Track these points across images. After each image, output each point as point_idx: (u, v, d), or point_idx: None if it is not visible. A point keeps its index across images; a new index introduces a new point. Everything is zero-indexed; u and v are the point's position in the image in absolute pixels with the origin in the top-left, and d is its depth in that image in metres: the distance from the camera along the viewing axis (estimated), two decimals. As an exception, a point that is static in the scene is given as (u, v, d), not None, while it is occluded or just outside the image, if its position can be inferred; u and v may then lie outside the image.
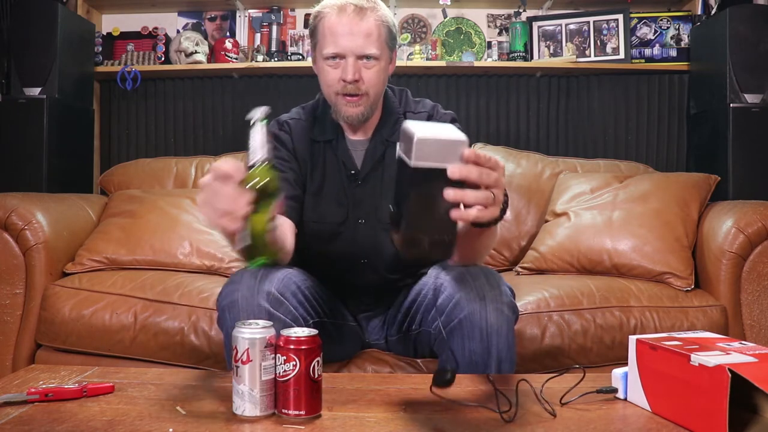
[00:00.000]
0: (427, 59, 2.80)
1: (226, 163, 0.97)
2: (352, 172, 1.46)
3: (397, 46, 1.49)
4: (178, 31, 2.95)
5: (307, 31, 2.93)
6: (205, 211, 0.99)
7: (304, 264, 1.46)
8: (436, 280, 1.31)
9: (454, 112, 1.55)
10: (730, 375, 0.80)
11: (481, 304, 1.20)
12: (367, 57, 1.37)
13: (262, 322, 0.95)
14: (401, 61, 2.71)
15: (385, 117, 1.48)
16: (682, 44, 2.79)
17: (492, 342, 1.20)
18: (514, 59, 2.82)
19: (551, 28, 2.85)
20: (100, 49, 2.87)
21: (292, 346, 0.92)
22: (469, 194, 0.90)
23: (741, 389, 0.83)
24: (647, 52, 2.79)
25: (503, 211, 1.04)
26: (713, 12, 2.67)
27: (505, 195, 1.03)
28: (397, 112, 1.49)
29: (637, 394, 0.98)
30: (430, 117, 1.49)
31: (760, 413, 0.90)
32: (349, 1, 1.37)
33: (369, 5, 1.38)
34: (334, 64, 1.38)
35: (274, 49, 2.89)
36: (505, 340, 1.21)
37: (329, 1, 1.39)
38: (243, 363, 0.92)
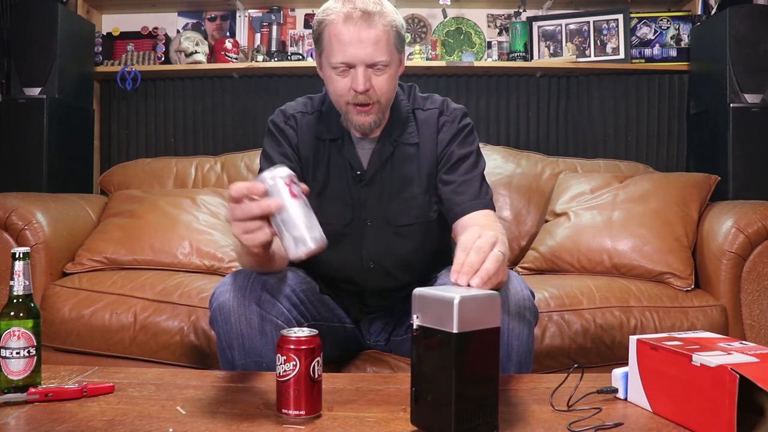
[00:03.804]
0: (427, 59, 2.80)
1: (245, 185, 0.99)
2: (358, 172, 1.41)
3: (405, 47, 1.43)
4: (178, 31, 2.95)
5: (307, 31, 2.94)
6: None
7: (307, 267, 1.44)
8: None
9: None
10: (738, 377, 0.80)
11: (503, 308, 1.17)
12: (377, 65, 1.30)
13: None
14: (401, 61, 2.71)
15: (393, 116, 1.43)
16: (682, 44, 2.79)
17: (513, 347, 1.19)
18: (514, 59, 2.81)
19: (551, 28, 2.85)
20: (100, 49, 2.87)
21: (292, 346, 0.92)
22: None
23: (742, 389, 0.82)
24: (647, 52, 2.79)
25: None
26: (713, 12, 2.67)
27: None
28: (405, 110, 1.44)
29: (637, 395, 0.98)
30: (440, 113, 1.44)
31: (765, 414, 0.89)
32: (356, 6, 1.28)
33: (376, 9, 1.29)
34: (343, 73, 1.30)
35: (274, 49, 2.89)
36: (525, 345, 1.20)
37: (333, 6, 1.31)
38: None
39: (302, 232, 0.98)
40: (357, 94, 1.30)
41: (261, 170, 1.43)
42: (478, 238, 0.95)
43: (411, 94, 1.47)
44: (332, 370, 1.51)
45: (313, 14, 3.02)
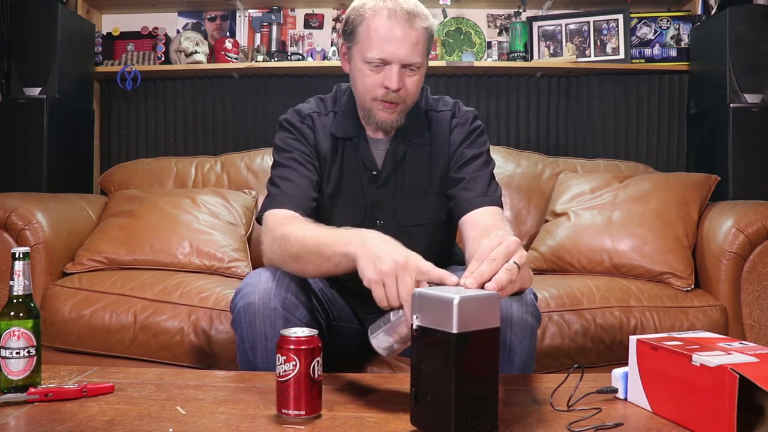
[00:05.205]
0: (427, 59, 2.79)
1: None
2: (374, 172, 1.41)
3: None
4: (178, 31, 2.95)
5: (307, 31, 2.94)
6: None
7: None
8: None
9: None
10: (738, 377, 0.80)
11: (506, 314, 1.16)
12: (412, 66, 1.30)
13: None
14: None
15: (408, 117, 1.42)
16: (682, 44, 2.79)
17: (515, 351, 1.19)
18: (514, 59, 2.82)
19: (551, 28, 2.85)
20: (100, 49, 2.87)
21: (292, 346, 0.92)
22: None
23: (742, 389, 0.82)
24: (647, 52, 2.79)
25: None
26: (713, 12, 2.67)
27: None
28: (419, 111, 1.44)
29: (637, 395, 0.98)
30: (453, 115, 1.44)
31: (765, 414, 0.89)
32: (400, 4, 1.28)
33: (417, 11, 1.30)
34: (376, 69, 1.31)
35: (274, 49, 2.89)
36: (527, 348, 1.20)
37: (374, 2, 1.30)
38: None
39: (397, 347, 1.03)
40: (388, 91, 1.31)
41: (276, 163, 1.41)
42: (498, 246, 0.94)
43: (423, 96, 1.47)
44: (332, 370, 1.51)
45: (314, 14, 3.04)
